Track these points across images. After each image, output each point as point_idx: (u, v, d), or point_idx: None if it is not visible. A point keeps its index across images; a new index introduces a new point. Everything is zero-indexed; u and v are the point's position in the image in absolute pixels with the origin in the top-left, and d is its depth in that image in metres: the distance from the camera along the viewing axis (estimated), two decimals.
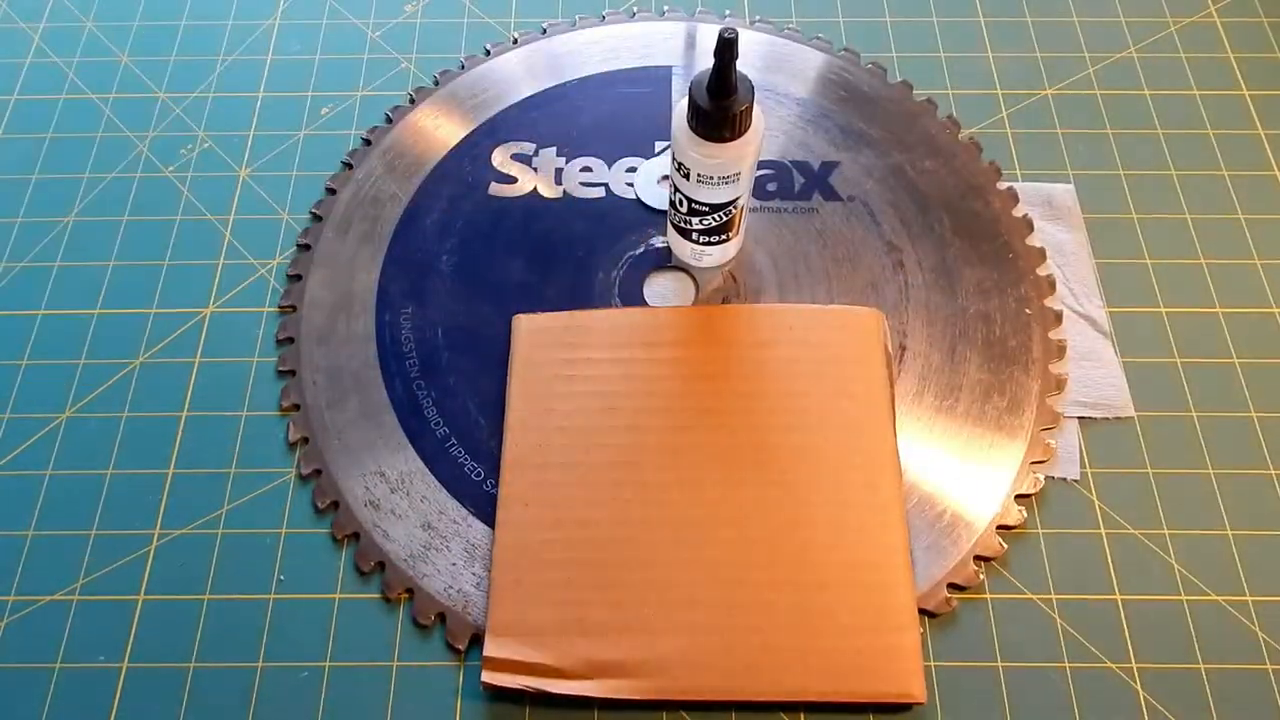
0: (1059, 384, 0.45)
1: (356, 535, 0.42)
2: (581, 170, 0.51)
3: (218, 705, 0.39)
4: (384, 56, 0.56)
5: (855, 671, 0.38)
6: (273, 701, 0.39)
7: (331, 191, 0.51)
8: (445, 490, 0.43)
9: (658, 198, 0.50)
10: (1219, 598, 0.41)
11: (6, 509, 0.43)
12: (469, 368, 0.45)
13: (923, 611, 0.40)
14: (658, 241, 0.49)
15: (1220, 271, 0.48)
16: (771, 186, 0.50)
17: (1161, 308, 0.47)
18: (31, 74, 0.56)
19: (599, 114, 0.53)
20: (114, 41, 0.57)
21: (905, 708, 0.38)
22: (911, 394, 0.45)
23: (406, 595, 0.41)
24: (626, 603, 0.39)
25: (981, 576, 0.41)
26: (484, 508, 0.42)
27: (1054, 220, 0.50)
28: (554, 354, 0.45)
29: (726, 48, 0.37)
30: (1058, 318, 0.47)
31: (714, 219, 0.44)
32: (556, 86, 0.54)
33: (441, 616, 0.40)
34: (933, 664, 0.39)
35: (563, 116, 0.53)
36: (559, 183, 0.51)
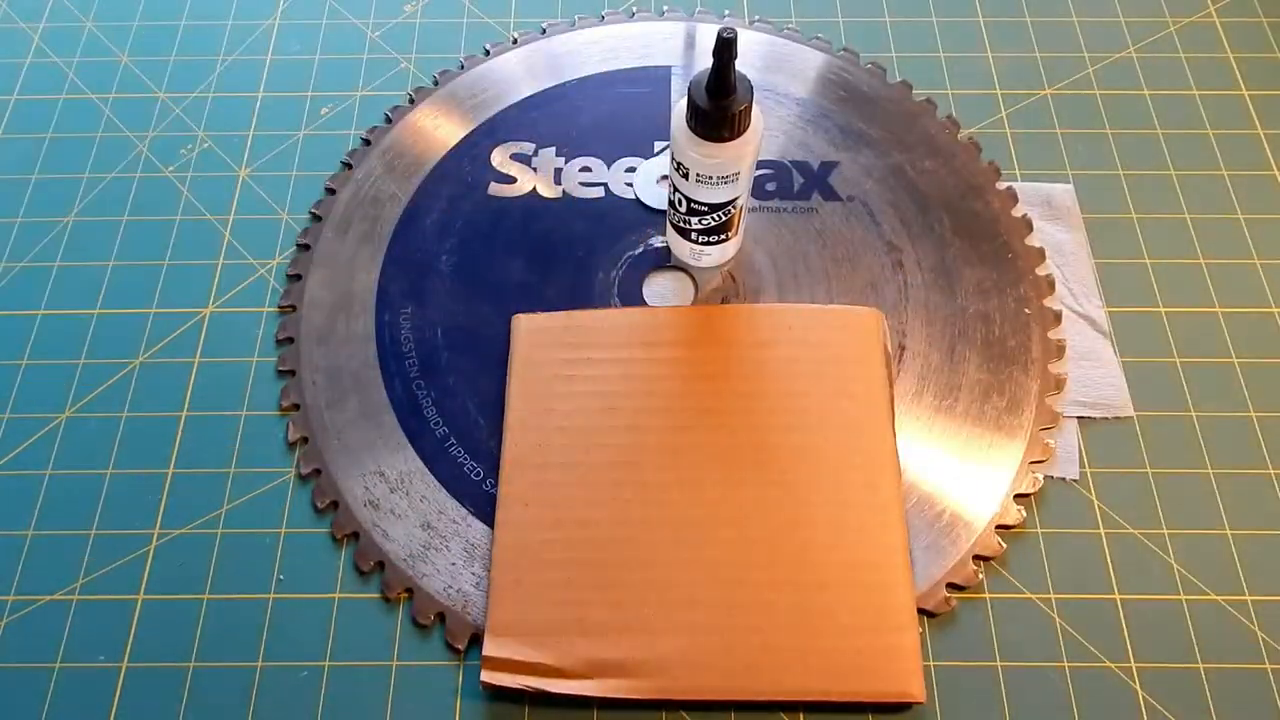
0: (1058, 384, 0.45)
1: (356, 535, 0.42)
2: (581, 170, 0.51)
3: (217, 705, 0.39)
4: (383, 56, 0.56)
5: (855, 671, 0.38)
6: (272, 701, 0.39)
7: (331, 191, 0.51)
8: (445, 490, 0.43)
9: (657, 198, 0.50)
10: (1218, 597, 0.41)
11: (6, 509, 0.43)
12: (469, 368, 0.46)
13: (922, 611, 0.40)
14: (657, 241, 0.49)
15: (1220, 271, 0.48)
16: (771, 186, 0.50)
17: (1161, 307, 0.47)
18: (31, 74, 0.56)
19: (598, 114, 0.53)
20: (114, 41, 0.57)
21: (905, 707, 0.38)
22: (911, 394, 0.45)
23: (406, 595, 0.41)
24: (626, 603, 0.39)
25: (981, 576, 0.41)
26: (484, 507, 0.42)
27: (1053, 220, 0.50)
28: (553, 354, 0.45)
29: (725, 48, 0.37)
30: (1057, 317, 0.47)
31: (713, 219, 0.44)
32: (556, 86, 0.54)
33: (441, 616, 0.40)
34: (932, 664, 0.39)
35: (562, 116, 0.53)
36: (558, 183, 0.51)
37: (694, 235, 0.45)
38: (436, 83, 0.54)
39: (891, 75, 0.54)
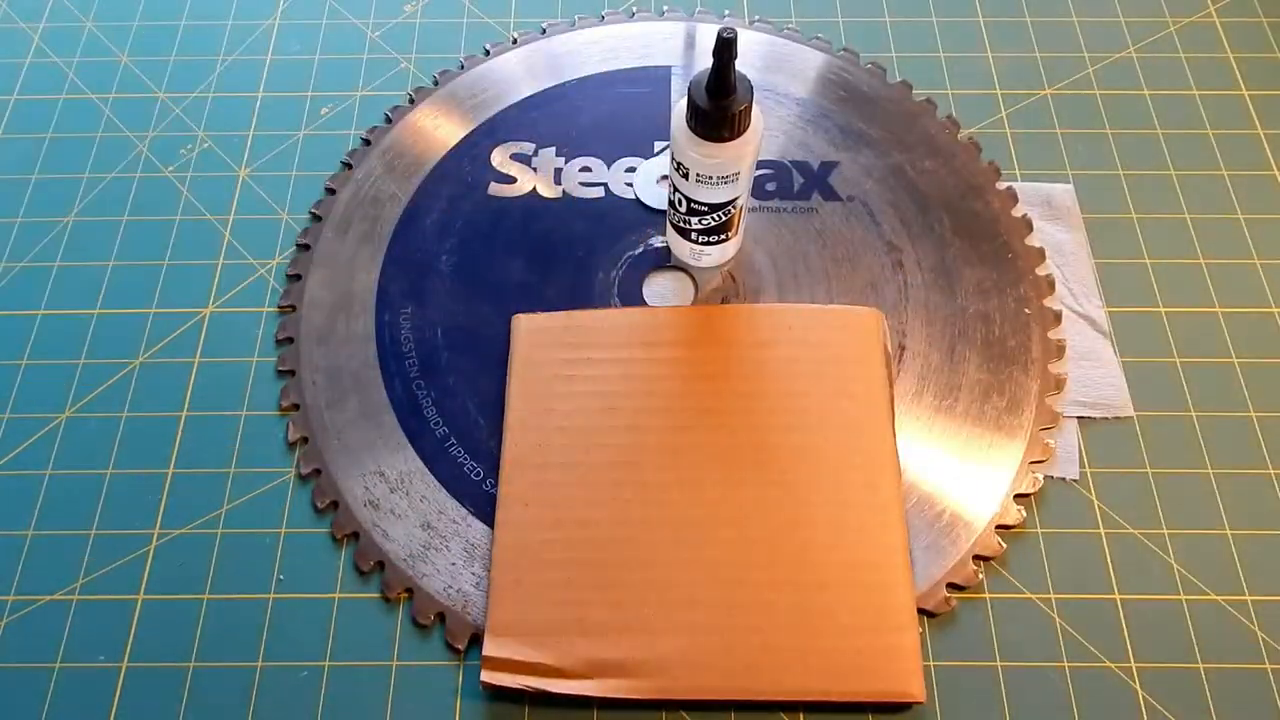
0: (1058, 384, 0.45)
1: (356, 535, 0.42)
2: (581, 170, 0.51)
3: (217, 705, 0.39)
4: (383, 56, 0.56)
5: (855, 671, 0.38)
6: (272, 701, 0.39)
7: (331, 191, 0.51)
8: (445, 490, 0.43)
9: (657, 198, 0.50)
10: (1218, 597, 0.41)
11: (6, 509, 0.43)
12: (469, 368, 0.46)
13: (922, 611, 0.40)
14: (657, 241, 0.49)
15: (1220, 271, 0.48)
16: (771, 186, 0.50)
17: (1161, 307, 0.47)
18: (31, 74, 0.56)
19: (598, 114, 0.53)
20: (114, 41, 0.57)
21: (905, 707, 0.38)
22: (911, 394, 0.45)
23: (406, 595, 0.41)
24: (626, 603, 0.39)
25: (981, 576, 0.41)
26: (483, 507, 0.42)
27: (1053, 220, 0.50)
28: (553, 354, 0.45)
29: (725, 48, 0.37)
30: (1057, 317, 0.47)
31: (713, 219, 0.44)
32: (556, 86, 0.54)
33: (441, 616, 0.40)
34: (932, 664, 0.39)
35: (562, 116, 0.53)
36: (558, 183, 0.51)
37: (694, 235, 0.45)
38: (436, 83, 0.54)
39: (891, 75, 0.54)
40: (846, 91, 0.54)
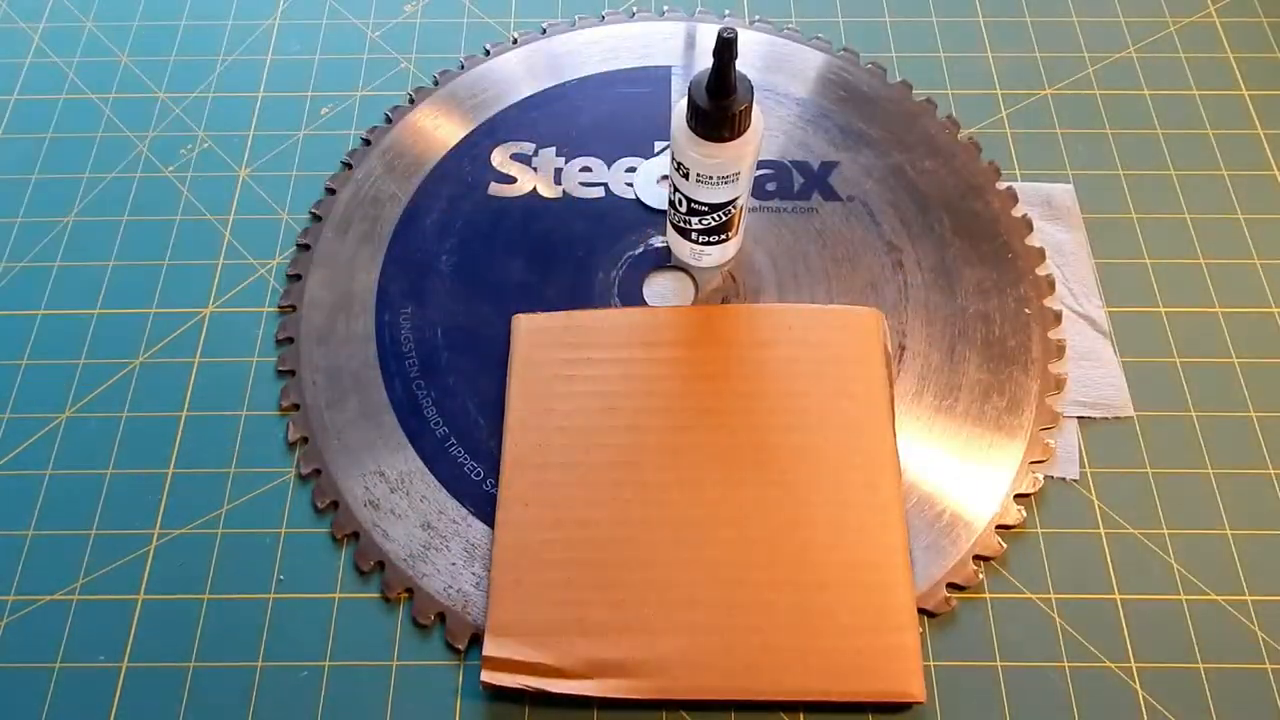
0: (1058, 384, 0.45)
1: (356, 535, 0.42)
2: (581, 170, 0.51)
3: (218, 705, 0.39)
4: (384, 56, 0.56)
5: (855, 671, 0.38)
6: (273, 701, 0.39)
7: (331, 191, 0.51)
8: (445, 490, 0.43)
9: (657, 198, 0.50)
10: (1218, 597, 0.41)
11: (6, 509, 0.43)
12: (469, 368, 0.46)
13: (922, 611, 0.40)
14: (657, 241, 0.49)
15: (1220, 271, 0.48)
16: (771, 186, 0.50)
17: (1161, 307, 0.47)
18: (31, 74, 0.56)
19: (598, 114, 0.53)
20: (114, 41, 0.57)
21: (905, 707, 0.38)
22: (911, 394, 0.45)
23: (406, 595, 0.41)
24: (626, 603, 0.39)
25: (981, 576, 0.41)
26: (484, 507, 0.42)
27: (1053, 220, 0.50)
28: (554, 354, 0.45)
29: (726, 48, 0.37)
30: (1057, 317, 0.47)
31: (713, 219, 0.44)
32: (556, 86, 0.54)
33: (441, 616, 0.40)
34: (932, 664, 0.39)
35: (562, 116, 0.53)
36: (558, 183, 0.51)
37: (694, 235, 0.45)
38: (436, 83, 0.54)
39: (891, 75, 0.54)
40: (846, 91, 0.54)
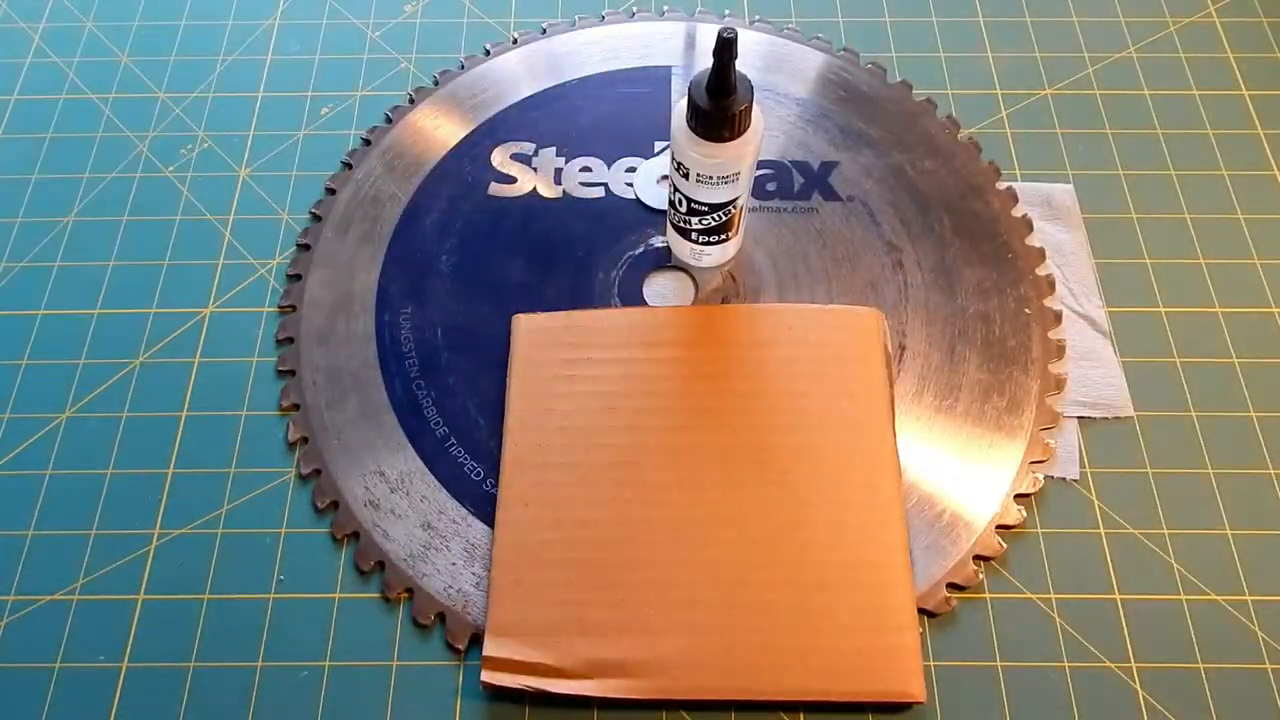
0: (1058, 384, 0.45)
1: (356, 535, 0.42)
2: (581, 170, 0.51)
3: (217, 705, 0.39)
4: (384, 56, 0.56)
5: (855, 671, 0.38)
6: (273, 701, 0.39)
7: (331, 191, 0.51)
8: (445, 490, 0.43)
9: (657, 198, 0.50)
10: (1218, 597, 0.41)
11: (6, 509, 0.43)
12: (469, 368, 0.46)
13: (922, 611, 0.40)
14: (657, 241, 0.49)
15: (1220, 271, 0.48)
16: (771, 186, 0.50)
17: (1161, 307, 0.47)
18: (31, 74, 0.56)
19: (598, 114, 0.53)
20: (114, 41, 0.57)
21: (905, 707, 0.38)
22: (911, 394, 0.45)
23: (406, 595, 0.41)
24: (626, 603, 0.39)
25: (981, 576, 0.41)
26: (484, 508, 0.42)
27: (1053, 220, 0.50)
28: (554, 354, 0.45)
29: (726, 48, 0.37)
30: (1057, 317, 0.47)
31: (713, 219, 0.44)
32: (556, 86, 0.54)
33: (441, 616, 0.40)
34: (932, 664, 0.39)
35: (562, 116, 0.53)
36: (558, 183, 0.51)
37: (694, 235, 0.45)
38: (436, 83, 0.54)
39: (891, 75, 0.54)
40: (846, 91, 0.54)
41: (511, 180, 0.51)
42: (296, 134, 0.53)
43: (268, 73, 0.55)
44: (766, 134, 0.51)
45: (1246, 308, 0.48)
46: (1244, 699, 0.39)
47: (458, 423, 0.44)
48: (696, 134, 0.40)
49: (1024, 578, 0.41)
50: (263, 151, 0.53)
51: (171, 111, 0.54)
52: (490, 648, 0.38)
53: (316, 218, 0.50)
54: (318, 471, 0.43)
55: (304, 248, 0.49)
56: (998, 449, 0.43)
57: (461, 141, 0.52)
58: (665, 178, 0.50)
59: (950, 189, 0.50)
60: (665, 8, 0.57)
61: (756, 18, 0.57)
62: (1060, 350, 0.46)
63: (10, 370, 0.47)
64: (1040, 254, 0.48)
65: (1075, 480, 0.43)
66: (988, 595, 0.41)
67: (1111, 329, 0.47)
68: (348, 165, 0.52)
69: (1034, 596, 0.41)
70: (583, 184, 0.51)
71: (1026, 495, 0.43)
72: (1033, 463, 0.43)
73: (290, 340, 0.47)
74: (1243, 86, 0.54)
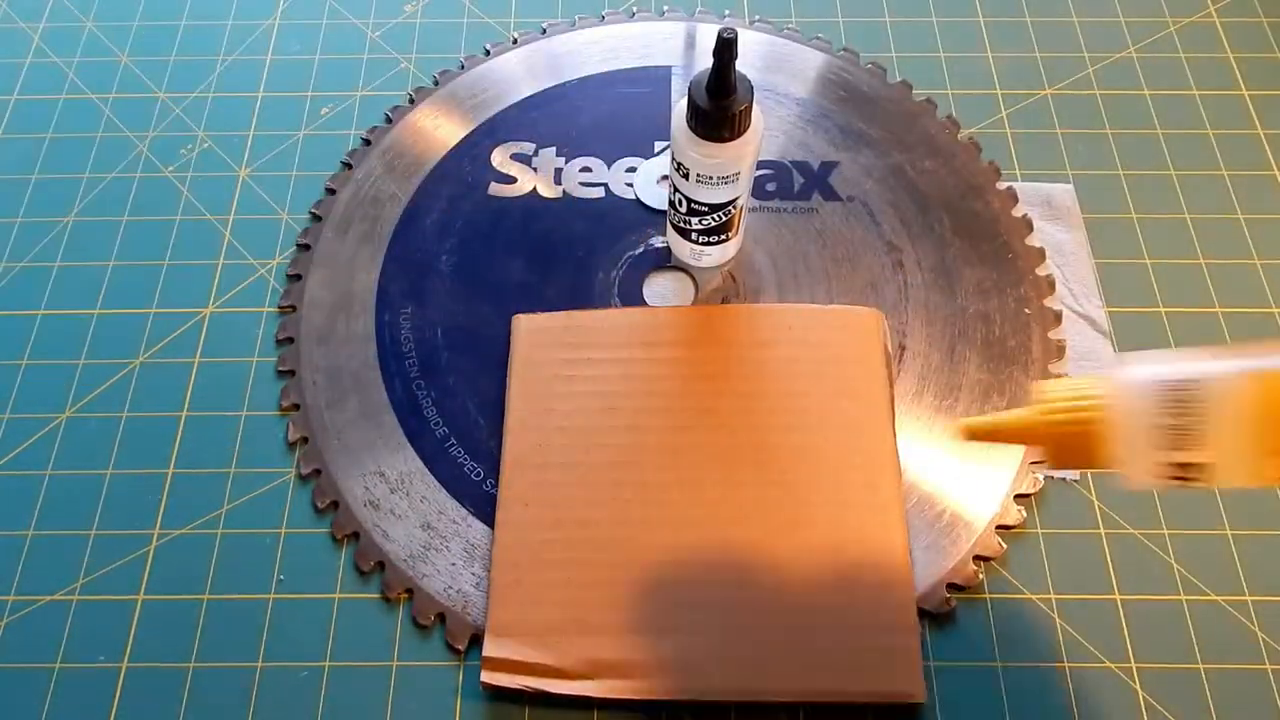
0: None
1: (356, 535, 0.42)
2: (581, 170, 0.51)
3: (217, 705, 0.39)
4: (384, 56, 0.56)
5: (855, 671, 0.38)
6: (272, 701, 0.39)
7: (331, 191, 0.51)
8: (445, 490, 0.43)
9: (657, 198, 0.50)
10: (1218, 598, 0.41)
11: (6, 509, 0.43)
12: (469, 368, 0.45)
13: (922, 611, 0.40)
14: (657, 241, 0.49)
15: (1220, 271, 0.48)
16: (771, 186, 0.50)
17: (1161, 308, 0.47)
18: (31, 74, 0.56)
19: (598, 114, 0.53)
20: (114, 41, 0.57)
21: (905, 707, 0.38)
22: (911, 394, 0.45)
23: (406, 595, 0.41)
24: (626, 603, 0.39)
25: (981, 576, 0.41)
26: (484, 508, 0.42)
27: (1053, 220, 0.50)
28: (554, 354, 0.45)
29: (726, 48, 0.37)
30: (1057, 318, 0.47)
31: (713, 219, 0.44)
32: (556, 86, 0.54)
33: (441, 616, 0.40)
34: (932, 664, 0.39)
35: (562, 116, 0.53)
36: (558, 183, 0.51)
37: (694, 235, 0.45)
38: (436, 83, 0.54)
39: (891, 75, 0.54)
40: (846, 91, 0.54)
41: (511, 180, 0.51)
42: (296, 134, 0.53)
43: (268, 73, 0.55)
44: (766, 134, 0.51)
45: (1246, 308, 0.47)
46: (1244, 699, 0.39)
47: (458, 423, 0.44)
48: (696, 134, 0.40)
49: (1024, 578, 0.41)
50: (263, 151, 0.53)
51: (171, 111, 0.54)
52: (490, 648, 0.38)
53: (316, 218, 0.50)
54: (318, 471, 0.43)
55: (304, 248, 0.49)
56: (998, 449, 0.43)
57: (461, 141, 0.52)
58: (665, 178, 0.50)
59: (950, 189, 0.50)
60: (665, 8, 0.57)
61: (756, 18, 0.57)
62: (1060, 350, 0.46)
63: (10, 370, 0.47)
64: (1040, 254, 0.48)
65: (1075, 480, 0.43)
66: (988, 595, 0.41)
67: (1111, 329, 0.47)
68: (348, 165, 0.52)
69: (1034, 597, 0.41)
70: (583, 184, 0.51)
71: (1026, 495, 0.43)
72: (1033, 463, 0.43)
73: (290, 340, 0.47)
74: (1243, 86, 0.54)
